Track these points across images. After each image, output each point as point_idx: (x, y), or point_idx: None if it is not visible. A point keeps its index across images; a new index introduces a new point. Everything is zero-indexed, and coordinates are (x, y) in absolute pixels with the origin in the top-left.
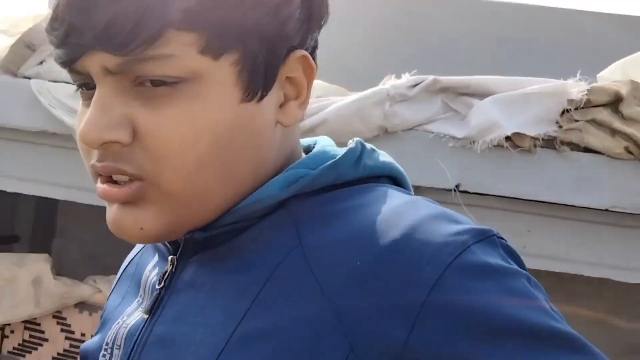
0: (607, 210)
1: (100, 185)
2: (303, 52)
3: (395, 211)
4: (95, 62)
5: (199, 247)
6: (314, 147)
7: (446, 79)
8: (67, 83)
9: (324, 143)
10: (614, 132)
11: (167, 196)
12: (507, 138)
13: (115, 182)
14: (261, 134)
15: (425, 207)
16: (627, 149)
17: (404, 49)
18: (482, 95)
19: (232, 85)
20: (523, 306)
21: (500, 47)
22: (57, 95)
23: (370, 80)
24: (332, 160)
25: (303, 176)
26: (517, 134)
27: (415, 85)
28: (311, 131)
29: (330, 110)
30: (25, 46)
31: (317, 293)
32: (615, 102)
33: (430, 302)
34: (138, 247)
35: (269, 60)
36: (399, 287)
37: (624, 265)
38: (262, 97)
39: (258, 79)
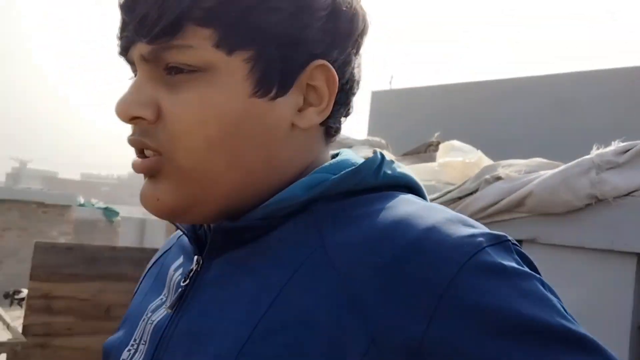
0: None
1: (134, 158)
2: (323, 61)
3: (413, 214)
4: (136, 51)
5: (224, 246)
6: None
7: None
8: None
9: (346, 153)
10: None
11: (180, 171)
12: None
13: (146, 157)
14: (273, 130)
15: (442, 211)
16: None
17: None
18: None
19: (243, 79)
20: (537, 306)
21: None
22: None
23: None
24: (353, 167)
25: (325, 180)
26: None
27: (626, 151)
28: (520, 204)
29: (537, 182)
30: None
31: (340, 288)
32: None
33: (447, 298)
34: (163, 249)
35: (284, 63)
36: (416, 284)
37: None
38: (276, 97)
39: (271, 78)
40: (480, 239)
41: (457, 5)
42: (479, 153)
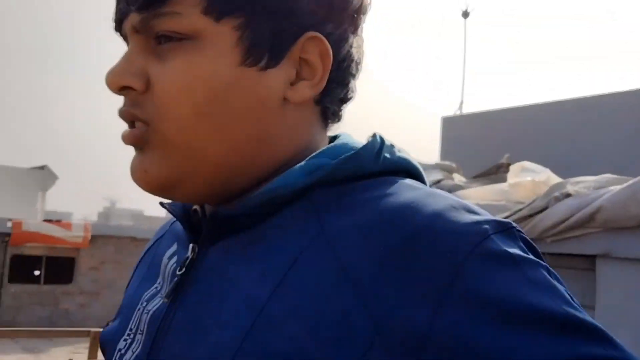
0: None
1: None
2: (315, 33)
3: (417, 201)
4: (128, 23)
5: (220, 233)
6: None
7: None
8: None
9: (345, 137)
10: None
11: (166, 141)
12: None
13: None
14: (263, 102)
15: (445, 197)
16: None
17: None
18: None
19: (232, 47)
20: (545, 295)
21: None
22: None
23: None
24: (352, 152)
25: (323, 165)
26: None
27: None
28: (591, 220)
29: (606, 197)
30: None
31: (342, 277)
32: None
33: (453, 287)
34: (156, 236)
35: (275, 33)
36: (422, 273)
37: None
38: (267, 67)
39: (261, 48)
40: (486, 226)
41: (458, 5)
42: (548, 172)
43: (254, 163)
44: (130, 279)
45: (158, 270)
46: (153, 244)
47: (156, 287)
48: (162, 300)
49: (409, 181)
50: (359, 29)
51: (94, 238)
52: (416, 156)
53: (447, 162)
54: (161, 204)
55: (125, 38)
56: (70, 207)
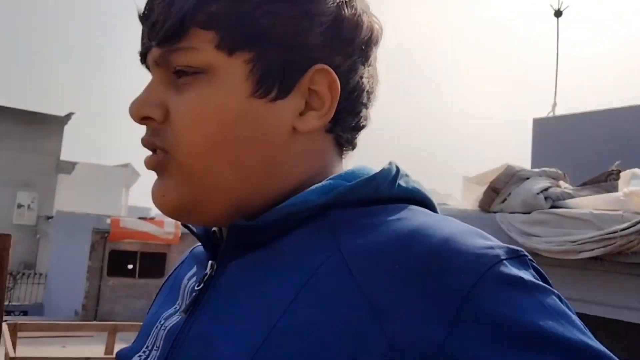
0: None
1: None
2: (323, 66)
3: (431, 224)
4: (150, 57)
5: (239, 248)
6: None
7: None
8: (522, 213)
9: (360, 165)
10: None
11: (182, 168)
12: None
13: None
14: (273, 132)
15: (458, 223)
16: None
17: None
18: None
19: (243, 79)
20: (557, 321)
21: None
22: (513, 222)
23: None
24: (369, 175)
25: (340, 186)
26: None
27: None
28: None
29: None
30: (492, 190)
31: (357, 294)
32: None
33: (467, 307)
34: (177, 263)
35: (285, 66)
36: (436, 292)
37: None
38: (276, 99)
39: (271, 80)
40: (499, 251)
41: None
42: None
43: (266, 189)
44: (151, 305)
45: (178, 292)
46: (174, 271)
47: (175, 308)
48: (180, 316)
49: (422, 209)
50: (371, 59)
51: (183, 235)
52: (507, 159)
53: (553, 169)
54: (183, 224)
55: (148, 69)
56: (148, 202)
